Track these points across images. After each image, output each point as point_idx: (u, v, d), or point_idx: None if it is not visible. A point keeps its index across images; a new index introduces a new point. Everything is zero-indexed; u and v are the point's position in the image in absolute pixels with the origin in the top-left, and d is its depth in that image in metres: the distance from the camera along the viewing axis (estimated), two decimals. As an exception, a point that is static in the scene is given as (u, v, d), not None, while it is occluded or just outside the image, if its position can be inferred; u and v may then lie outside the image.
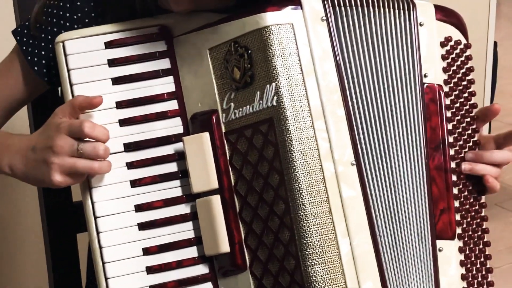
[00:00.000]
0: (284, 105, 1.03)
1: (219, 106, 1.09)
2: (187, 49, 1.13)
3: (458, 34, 1.20)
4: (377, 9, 1.13)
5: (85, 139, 1.05)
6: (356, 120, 1.08)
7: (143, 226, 1.09)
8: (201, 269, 1.10)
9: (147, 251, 1.09)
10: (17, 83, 1.26)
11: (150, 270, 1.08)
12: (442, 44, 1.18)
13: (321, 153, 1.04)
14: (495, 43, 2.66)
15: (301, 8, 1.07)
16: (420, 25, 1.16)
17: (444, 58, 1.18)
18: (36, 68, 1.22)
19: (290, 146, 1.03)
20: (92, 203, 1.08)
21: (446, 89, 1.17)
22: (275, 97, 1.04)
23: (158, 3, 1.14)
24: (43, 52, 1.22)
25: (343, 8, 1.10)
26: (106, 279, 1.07)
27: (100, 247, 1.07)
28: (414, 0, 1.17)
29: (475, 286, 1.16)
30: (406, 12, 1.16)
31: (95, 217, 1.08)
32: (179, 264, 1.09)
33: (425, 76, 1.15)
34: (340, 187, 1.05)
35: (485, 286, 1.17)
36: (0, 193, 1.79)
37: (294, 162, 1.03)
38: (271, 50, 1.04)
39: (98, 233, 1.08)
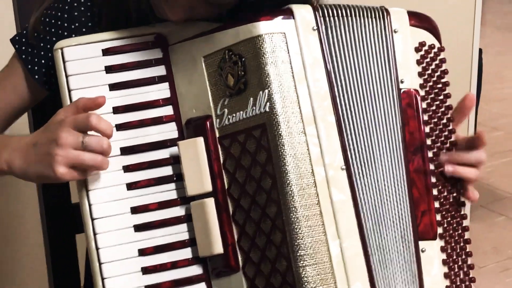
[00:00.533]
0: (277, 111, 1.04)
1: (213, 111, 1.09)
2: (182, 56, 1.13)
3: (432, 39, 1.19)
4: (359, 18, 1.13)
5: (90, 133, 1.05)
6: (346, 126, 1.08)
7: (138, 228, 1.09)
8: (195, 270, 1.10)
9: (142, 252, 1.09)
10: (16, 90, 1.25)
11: (146, 270, 1.08)
12: (417, 49, 1.18)
13: (312, 158, 1.04)
14: (480, 50, 2.66)
15: (293, 18, 1.07)
16: (395, 32, 1.16)
17: (419, 62, 1.18)
18: (36, 76, 1.22)
19: (282, 151, 1.03)
20: (89, 205, 1.08)
21: (422, 93, 1.17)
22: (268, 103, 1.04)
23: (155, 12, 1.13)
24: (42, 61, 1.21)
25: (332, 19, 1.10)
26: (103, 279, 1.07)
27: (97, 248, 1.07)
28: (388, 8, 1.17)
29: (458, 283, 1.16)
30: (381, 20, 1.15)
31: (92, 219, 1.08)
32: (174, 265, 1.09)
33: (401, 82, 1.15)
34: (331, 191, 1.05)
35: (467, 283, 1.17)
36: (2, 189, 1.79)
37: (286, 166, 1.03)
38: (264, 58, 1.04)
39: (95, 234, 1.08)
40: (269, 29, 1.05)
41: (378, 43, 1.15)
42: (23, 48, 1.22)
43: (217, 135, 1.09)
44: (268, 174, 1.04)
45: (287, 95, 1.04)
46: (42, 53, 1.21)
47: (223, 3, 1.09)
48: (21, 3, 1.32)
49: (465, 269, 1.17)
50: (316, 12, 1.08)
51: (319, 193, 1.04)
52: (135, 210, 1.10)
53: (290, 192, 1.03)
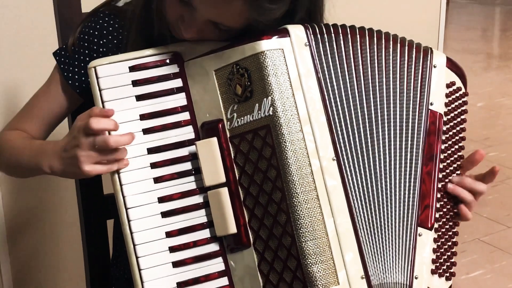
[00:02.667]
0: (279, 114, 1.06)
1: (224, 116, 1.10)
2: (196, 70, 1.13)
3: (460, 83, 1.22)
4: (392, 44, 1.15)
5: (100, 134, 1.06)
6: (336, 125, 1.09)
7: (165, 214, 1.10)
8: (213, 247, 1.11)
9: (169, 234, 1.10)
10: (56, 99, 1.26)
11: (172, 249, 1.10)
12: (447, 86, 1.21)
13: (309, 152, 1.06)
14: None
15: (289, 36, 1.08)
16: (434, 66, 1.19)
17: (447, 96, 1.20)
18: (70, 82, 1.24)
19: (284, 147, 1.05)
20: (123, 197, 1.09)
21: (444, 118, 1.19)
22: (271, 108, 1.06)
23: (173, 32, 1.15)
24: (76, 70, 1.23)
25: (323, 36, 1.11)
26: (137, 258, 1.08)
27: (131, 232, 1.09)
28: (432, 48, 1.20)
29: (441, 271, 1.16)
30: (423, 54, 1.18)
31: (126, 208, 1.09)
32: (195, 244, 1.10)
33: (431, 104, 1.18)
34: (325, 178, 1.06)
35: (447, 274, 1.17)
36: (44, 189, 1.79)
37: (288, 159, 1.05)
38: (267, 70, 1.06)
39: (129, 221, 1.09)
40: (269, 46, 1.07)
41: (417, 70, 1.17)
42: (62, 59, 1.24)
43: (228, 135, 1.10)
44: (272, 166, 1.06)
45: (287, 101, 1.06)
46: (77, 63, 1.23)
47: (229, 32, 1.11)
48: (62, 24, 1.32)
49: (449, 264, 1.18)
50: (307, 30, 1.10)
51: (315, 180, 1.05)
52: (161, 199, 1.10)
53: (291, 180, 1.05)
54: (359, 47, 1.13)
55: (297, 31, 1.10)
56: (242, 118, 1.09)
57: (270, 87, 1.06)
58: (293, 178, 1.05)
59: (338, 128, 1.10)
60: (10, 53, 1.68)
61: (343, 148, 1.10)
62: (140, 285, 1.08)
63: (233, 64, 1.09)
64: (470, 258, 2.72)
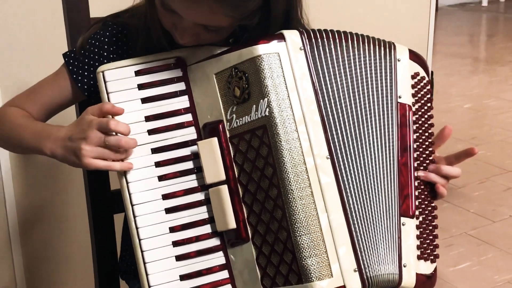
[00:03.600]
0: (275, 115, 1.05)
1: (224, 117, 1.10)
2: (198, 74, 1.13)
3: (423, 72, 1.22)
4: (362, 44, 1.15)
5: (111, 133, 1.06)
6: (330, 124, 1.09)
7: (168, 210, 1.10)
8: (214, 242, 1.11)
9: (172, 229, 1.10)
10: (61, 91, 1.26)
11: (176, 243, 1.09)
12: (412, 77, 1.20)
13: (304, 150, 1.05)
14: (432, 72, 2.66)
15: (284, 41, 1.08)
16: (398, 60, 1.19)
17: (413, 87, 1.20)
18: (79, 84, 1.24)
19: (280, 146, 1.05)
20: (129, 194, 1.09)
21: (413, 109, 1.19)
22: (267, 109, 1.05)
23: (174, 38, 1.14)
24: (85, 73, 1.23)
25: (317, 40, 1.11)
26: (142, 251, 1.08)
27: (137, 228, 1.09)
28: (394, 43, 1.20)
29: (425, 255, 1.16)
30: (388, 50, 1.18)
31: (132, 205, 1.09)
32: (198, 238, 1.10)
33: (399, 97, 1.17)
34: (319, 175, 1.06)
35: (432, 257, 1.17)
36: (54, 185, 1.79)
37: (284, 158, 1.05)
38: (263, 73, 1.06)
39: (134, 217, 1.09)
40: (266, 50, 1.06)
41: (383, 66, 1.17)
42: (71, 61, 1.24)
43: (228, 135, 1.10)
44: (269, 164, 1.06)
45: (282, 102, 1.06)
46: (86, 67, 1.23)
47: (220, 30, 1.11)
48: (72, 28, 1.32)
49: (432, 247, 1.18)
50: (302, 35, 1.10)
51: (310, 177, 1.05)
52: (165, 196, 1.10)
53: (287, 178, 1.04)
54: (345, 51, 1.14)
55: (292, 36, 1.10)
56: (241, 119, 1.09)
57: (266, 89, 1.06)
58: (288, 175, 1.05)
59: (332, 127, 1.10)
60: (22, 56, 1.69)
61: (336, 147, 1.09)
62: (145, 277, 1.08)
63: (232, 67, 1.09)
64: (458, 251, 2.71)
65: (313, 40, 1.11)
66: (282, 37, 1.09)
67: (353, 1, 2.13)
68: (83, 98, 1.28)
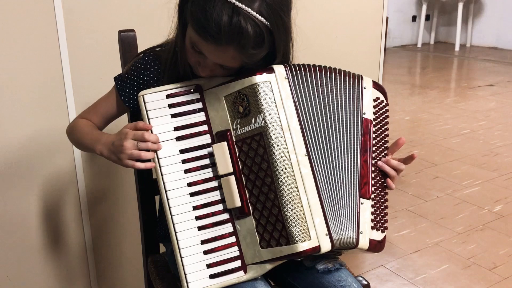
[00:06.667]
0: (268, 125, 1.05)
1: (231, 127, 1.09)
2: (212, 96, 1.12)
3: (382, 97, 1.20)
4: (334, 75, 1.13)
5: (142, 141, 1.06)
6: (307, 131, 1.08)
7: (192, 194, 1.10)
8: (225, 216, 1.10)
9: (195, 208, 1.09)
10: (113, 106, 1.25)
11: (197, 218, 1.09)
12: (374, 100, 1.18)
13: (289, 150, 1.05)
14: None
15: (274, 72, 1.07)
16: (364, 88, 1.17)
17: (374, 107, 1.18)
18: (124, 100, 1.23)
19: (272, 147, 1.04)
20: (164, 182, 1.09)
21: (374, 123, 1.17)
22: (263, 121, 1.05)
23: (194, 71, 1.14)
24: (130, 91, 1.23)
25: (295, 72, 1.10)
26: (173, 224, 1.08)
27: (169, 207, 1.08)
28: (362, 75, 1.18)
29: (377, 226, 1.15)
30: (356, 80, 1.16)
31: (166, 190, 1.09)
32: (213, 214, 1.10)
33: (364, 113, 1.16)
34: (300, 168, 1.05)
35: (382, 228, 1.16)
36: (113, 174, 1.78)
37: (275, 156, 1.04)
38: (259, 95, 1.05)
39: (167, 199, 1.08)
40: (261, 79, 1.06)
41: (353, 91, 1.15)
42: (119, 82, 1.23)
43: (234, 140, 1.09)
44: (265, 160, 1.05)
45: (273, 116, 1.05)
46: (130, 87, 1.23)
47: (231, 70, 1.11)
48: (125, 57, 1.31)
49: (383, 220, 1.17)
50: (286, 68, 1.09)
51: (293, 169, 1.04)
52: (189, 184, 1.10)
53: (277, 170, 1.04)
54: (318, 79, 1.12)
55: (279, 68, 1.09)
56: (243, 128, 1.08)
57: (262, 107, 1.05)
58: (278, 168, 1.04)
59: (309, 134, 1.09)
60: (89, 77, 1.67)
61: (311, 147, 1.08)
62: (176, 242, 1.09)
63: (237, 91, 1.08)
64: (400, 222, 2.70)
65: (294, 71, 1.10)
66: (272, 70, 1.08)
67: (324, 41, 2.14)
68: (128, 110, 1.27)
